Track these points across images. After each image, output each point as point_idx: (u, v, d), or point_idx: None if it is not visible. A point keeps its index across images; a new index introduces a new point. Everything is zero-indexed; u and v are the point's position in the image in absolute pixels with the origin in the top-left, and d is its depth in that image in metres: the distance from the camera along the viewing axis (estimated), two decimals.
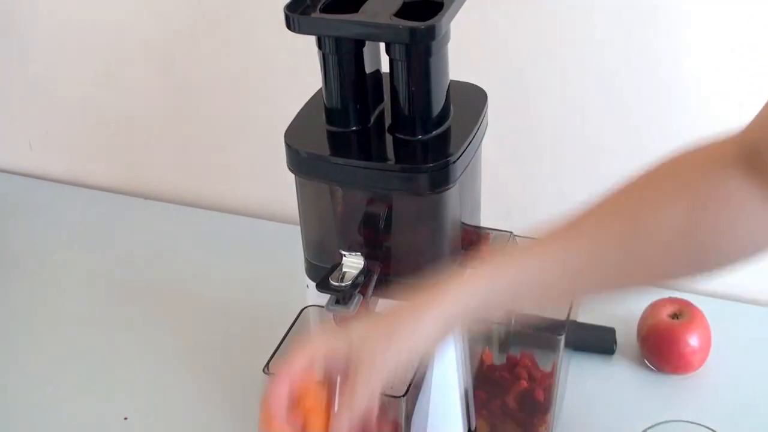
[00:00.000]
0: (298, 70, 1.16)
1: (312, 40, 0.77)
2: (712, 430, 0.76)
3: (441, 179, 0.75)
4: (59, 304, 1.16)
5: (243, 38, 1.19)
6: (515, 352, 0.91)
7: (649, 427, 0.77)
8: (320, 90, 0.83)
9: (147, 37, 1.24)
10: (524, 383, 0.87)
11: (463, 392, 0.88)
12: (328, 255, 0.83)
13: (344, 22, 0.73)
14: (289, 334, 0.83)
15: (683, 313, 0.99)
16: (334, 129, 0.79)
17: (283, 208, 1.24)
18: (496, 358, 0.92)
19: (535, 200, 1.11)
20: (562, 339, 0.83)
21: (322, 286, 0.78)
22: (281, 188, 1.21)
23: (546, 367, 0.89)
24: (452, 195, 0.78)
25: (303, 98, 0.83)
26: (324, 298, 0.84)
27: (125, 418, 0.98)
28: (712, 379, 0.98)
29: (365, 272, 0.78)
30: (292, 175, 0.80)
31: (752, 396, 0.96)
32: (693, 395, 0.97)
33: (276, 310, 1.06)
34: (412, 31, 0.71)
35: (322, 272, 0.84)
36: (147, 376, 1.04)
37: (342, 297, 0.77)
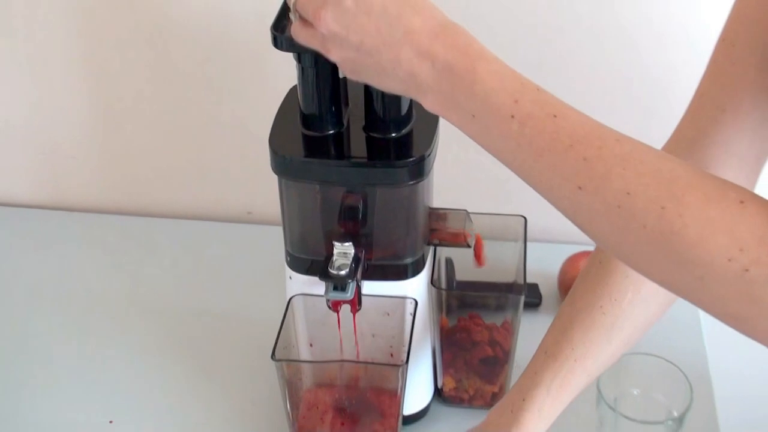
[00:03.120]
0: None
1: None
2: (667, 360, 0.90)
3: (418, 171, 0.85)
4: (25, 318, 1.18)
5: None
6: (464, 315, 1.03)
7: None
8: (288, 96, 0.91)
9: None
10: (487, 348, 0.99)
11: (431, 355, 1.00)
12: (311, 248, 0.92)
13: None
14: (283, 323, 0.91)
15: None
16: (312, 134, 0.87)
17: (230, 210, 1.33)
18: (450, 322, 1.03)
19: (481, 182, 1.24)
20: (522, 298, 0.96)
21: (323, 275, 0.86)
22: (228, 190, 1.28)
23: (496, 322, 1.01)
24: (426, 184, 0.88)
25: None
26: (303, 288, 0.93)
27: (110, 422, 1.03)
28: None
29: (356, 260, 0.87)
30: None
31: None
32: None
33: (255, 309, 1.17)
34: None
35: (305, 264, 0.93)
36: (130, 379, 1.08)
37: (340, 284, 0.86)
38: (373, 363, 0.93)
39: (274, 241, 1.24)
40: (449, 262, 1.06)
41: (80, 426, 1.03)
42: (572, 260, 1.15)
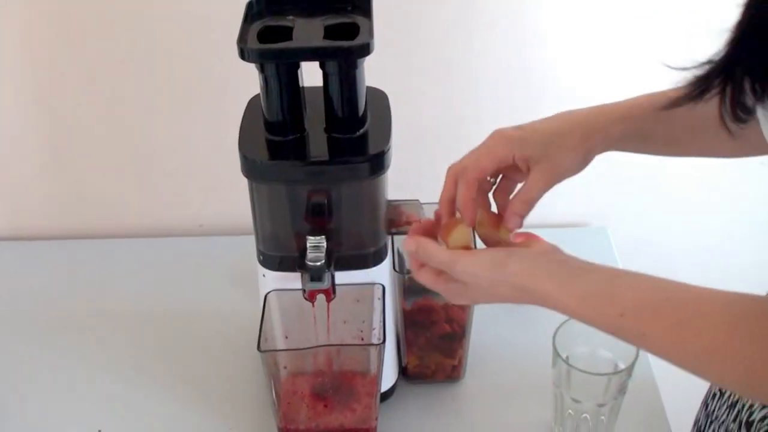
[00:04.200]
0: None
1: None
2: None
3: (379, 166, 0.93)
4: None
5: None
6: (419, 298, 1.12)
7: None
8: (250, 106, 0.98)
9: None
10: (445, 326, 1.08)
11: (394, 336, 1.08)
12: (282, 245, 0.98)
13: (297, 49, 0.89)
14: (263, 318, 0.98)
15: None
16: (277, 138, 0.94)
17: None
18: (407, 305, 1.11)
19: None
20: None
21: (301, 267, 0.93)
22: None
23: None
24: (385, 178, 0.96)
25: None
26: (276, 284, 1.00)
27: (99, 431, 1.08)
28: None
29: (328, 252, 0.95)
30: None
31: None
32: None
33: (221, 312, 1.24)
34: (354, 49, 0.89)
35: (276, 261, 0.99)
36: (116, 389, 1.13)
37: (317, 275, 0.93)
38: (355, 344, 1.01)
39: (225, 251, 1.32)
40: (399, 252, 1.14)
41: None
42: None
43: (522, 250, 0.83)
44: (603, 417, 1.01)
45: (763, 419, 0.89)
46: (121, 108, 1.30)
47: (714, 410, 0.99)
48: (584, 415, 1.01)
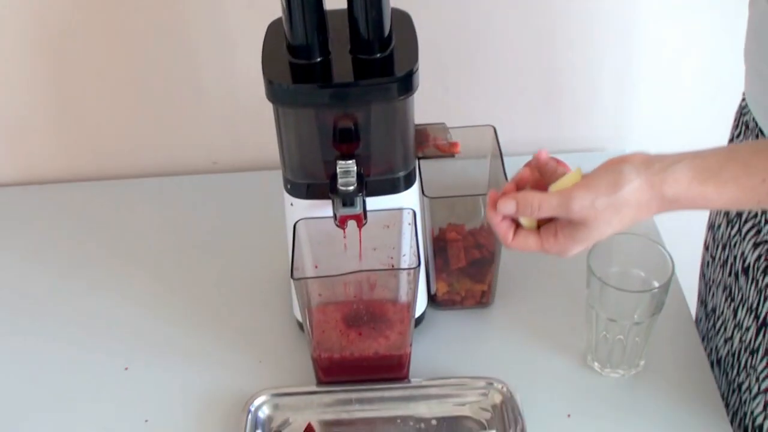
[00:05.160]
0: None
1: None
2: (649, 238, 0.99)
3: (408, 86, 0.91)
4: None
5: None
6: (444, 225, 1.10)
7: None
8: (270, 32, 0.95)
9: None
10: (474, 251, 1.06)
11: (424, 263, 1.06)
12: (309, 172, 0.97)
13: None
14: (294, 247, 0.96)
15: None
16: (301, 62, 0.92)
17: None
18: (434, 232, 1.10)
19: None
20: None
21: (333, 191, 0.91)
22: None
23: (476, 226, 1.09)
24: (413, 99, 0.94)
25: None
26: (304, 213, 0.98)
27: (126, 368, 1.07)
28: None
29: (359, 176, 0.93)
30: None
31: None
32: None
33: (247, 246, 1.23)
34: None
35: (303, 189, 0.97)
36: (144, 326, 1.12)
37: (349, 199, 0.92)
38: (390, 269, 0.99)
39: (240, 186, 1.29)
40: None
41: (96, 372, 1.07)
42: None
43: (628, 164, 0.78)
44: (637, 338, 1.01)
45: None
46: (130, 44, 1.27)
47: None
48: (618, 336, 1.00)
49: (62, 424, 1.01)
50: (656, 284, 0.99)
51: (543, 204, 0.80)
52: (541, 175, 0.86)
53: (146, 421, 1.01)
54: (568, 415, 1.00)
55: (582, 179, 0.80)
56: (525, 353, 1.07)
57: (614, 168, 0.79)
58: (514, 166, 1.18)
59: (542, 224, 0.84)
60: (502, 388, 1.00)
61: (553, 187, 0.82)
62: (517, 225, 0.84)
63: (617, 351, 1.02)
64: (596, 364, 1.04)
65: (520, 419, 0.96)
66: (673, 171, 0.76)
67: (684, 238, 1.15)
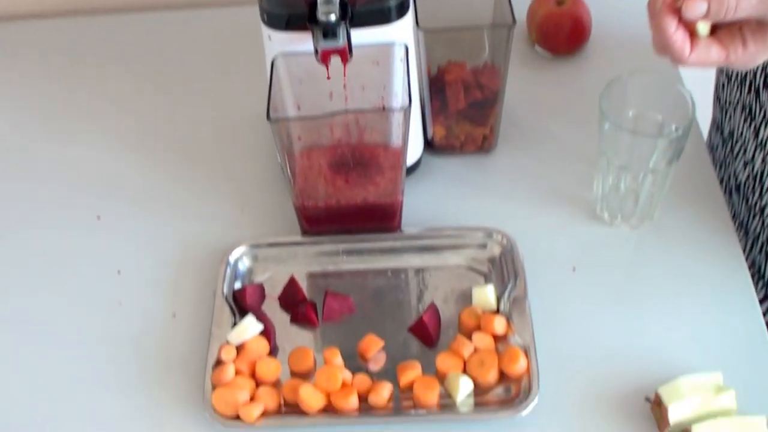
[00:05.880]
0: None
1: None
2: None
3: None
4: None
5: None
6: (443, 63, 1.00)
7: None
8: None
9: None
10: (475, 92, 0.97)
11: (419, 104, 0.97)
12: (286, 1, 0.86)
13: None
14: (271, 85, 0.86)
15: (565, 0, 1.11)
16: None
17: None
18: (432, 71, 1.00)
19: None
20: (512, 28, 0.92)
21: (312, 21, 0.81)
22: None
23: (478, 64, 0.99)
24: None
25: None
26: (284, 47, 0.88)
27: (98, 217, 1.00)
28: (598, 55, 1.13)
29: (342, 3, 0.82)
30: None
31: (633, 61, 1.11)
32: (582, 70, 1.12)
33: (233, 87, 1.13)
34: None
35: (282, 20, 0.87)
36: (118, 169, 1.04)
37: (330, 30, 0.81)
38: (377, 110, 0.90)
39: (218, 25, 1.19)
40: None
41: (69, 222, 0.99)
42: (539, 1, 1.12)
43: None
44: (652, 188, 0.92)
45: None
46: None
47: None
48: (632, 186, 0.92)
49: (29, 275, 0.95)
50: (674, 128, 0.89)
51: (741, 2, 0.68)
52: None
53: (119, 272, 0.95)
54: (573, 269, 0.92)
55: None
56: (528, 203, 0.98)
57: None
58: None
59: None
60: (502, 239, 0.92)
61: None
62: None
63: (629, 201, 0.93)
64: (606, 214, 0.96)
65: (521, 273, 0.89)
66: None
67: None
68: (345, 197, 0.91)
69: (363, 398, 0.82)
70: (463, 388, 0.81)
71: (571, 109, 1.06)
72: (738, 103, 0.97)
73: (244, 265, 0.93)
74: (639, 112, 0.92)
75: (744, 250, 0.94)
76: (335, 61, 0.86)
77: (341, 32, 0.82)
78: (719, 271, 0.92)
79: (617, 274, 0.92)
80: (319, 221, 0.93)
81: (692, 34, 0.72)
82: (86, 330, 0.90)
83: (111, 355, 0.88)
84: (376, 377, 0.83)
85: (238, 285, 0.91)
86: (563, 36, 1.10)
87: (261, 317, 0.87)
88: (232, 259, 0.92)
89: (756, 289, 0.91)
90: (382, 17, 0.87)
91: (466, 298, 0.89)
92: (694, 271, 0.92)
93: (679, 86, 0.89)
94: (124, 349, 0.88)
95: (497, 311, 0.87)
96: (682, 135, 0.87)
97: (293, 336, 0.88)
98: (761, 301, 0.94)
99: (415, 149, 0.98)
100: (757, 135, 0.93)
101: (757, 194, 0.96)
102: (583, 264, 0.93)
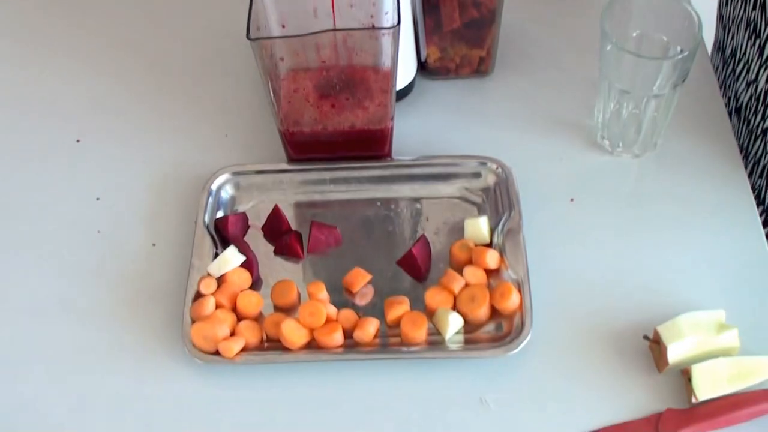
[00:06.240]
0: None
1: None
2: None
3: None
4: None
5: None
6: None
7: None
8: None
9: None
10: (472, 10, 0.91)
11: (411, 22, 0.92)
12: None
13: None
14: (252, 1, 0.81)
15: None
16: None
17: None
18: None
19: None
20: None
21: None
22: None
23: None
24: None
25: None
26: None
27: (78, 141, 0.95)
28: None
29: None
30: None
31: None
32: None
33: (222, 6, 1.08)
34: None
35: None
36: (99, 94, 1.00)
37: None
38: (365, 29, 0.84)
39: None
40: None
41: (45, 141, 0.95)
42: None
43: None
44: (656, 113, 0.87)
45: None
46: None
47: None
48: (634, 111, 0.87)
49: (8, 202, 0.91)
50: (680, 49, 0.84)
51: None
52: None
53: (97, 199, 0.91)
54: (571, 200, 0.88)
55: None
56: (526, 130, 0.94)
57: None
58: None
59: None
60: (497, 168, 0.88)
61: None
62: None
63: (631, 128, 0.89)
64: (607, 142, 0.92)
65: (516, 203, 0.85)
66: None
67: None
68: (332, 123, 0.86)
69: (348, 334, 0.78)
70: (453, 325, 0.78)
71: (574, 30, 1.00)
72: (742, 19, 0.94)
73: (227, 193, 0.89)
74: (643, 32, 0.86)
75: None
76: None
77: None
78: (725, 202, 0.87)
79: (617, 205, 0.88)
80: (305, 148, 0.88)
81: None
82: (65, 259, 0.87)
83: (89, 285, 0.84)
84: (363, 312, 0.80)
85: (220, 214, 0.87)
86: None
87: (243, 248, 0.84)
88: (214, 186, 0.88)
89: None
90: None
91: (458, 230, 0.85)
92: (698, 203, 0.87)
93: (685, 4, 0.84)
94: (102, 279, 0.85)
95: (490, 244, 0.83)
96: (688, 56, 0.82)
97: (277, 268, 0.84)
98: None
99: (407, 72, 0.93)
100: (762, 53, 0.90)
101: (759, 116, 0.92)
102: (582, 195, 0.89)
